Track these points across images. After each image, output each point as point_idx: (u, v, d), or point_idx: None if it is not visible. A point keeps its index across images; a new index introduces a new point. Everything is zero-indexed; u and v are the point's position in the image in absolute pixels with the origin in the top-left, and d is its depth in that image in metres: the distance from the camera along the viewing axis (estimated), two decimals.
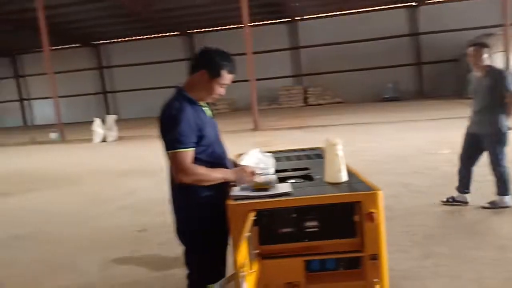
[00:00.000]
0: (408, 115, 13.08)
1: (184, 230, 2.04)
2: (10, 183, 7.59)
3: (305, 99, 22.15)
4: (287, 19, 22.17)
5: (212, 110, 2.15)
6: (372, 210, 1.79)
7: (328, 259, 1.92)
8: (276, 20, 22.13)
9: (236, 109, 22.13)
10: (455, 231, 3.65)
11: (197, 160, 1.93)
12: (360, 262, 1.91)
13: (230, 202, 1.87)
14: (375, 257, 1.84)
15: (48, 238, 4.36)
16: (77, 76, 25.57)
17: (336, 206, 1.86)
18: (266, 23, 22.06)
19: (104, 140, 13.36)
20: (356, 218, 1.86)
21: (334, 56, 21.75)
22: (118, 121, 14.03)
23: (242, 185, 2.02)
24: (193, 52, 24.16)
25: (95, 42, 25.18)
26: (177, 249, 3.57)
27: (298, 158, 2.81)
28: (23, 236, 4.45)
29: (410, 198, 4.65)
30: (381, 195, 1.82)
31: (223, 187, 2.02)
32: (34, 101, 27.74)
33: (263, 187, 1.96)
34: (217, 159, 2.04)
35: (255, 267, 1.79)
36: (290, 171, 2.41)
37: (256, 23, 20.37)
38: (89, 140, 13.53)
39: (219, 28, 22.95)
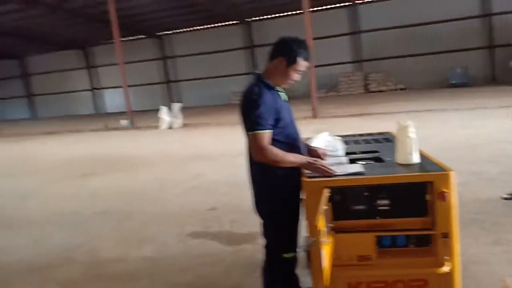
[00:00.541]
0: (478, 101, 12.31)
1: (262, 203, 2.23)
2: (91, 165, 8.36)
3: (366, 86, 21.59)
4: (347, 3, 21.62)
5: (287, 95, 2.31)
6: (444, 190, 1.85)
7: (399, 235, 2.01)
8: (336, 4, 21.67)
9: (293, 96, 22.09)
10: None
11: (274, 141, 2.10)
12: (431, 240, 1.98)
13: (305, 178, 2.02)
14: (447, 235, 1.90)
15: (128, 214, 4.82)
16: (143, 66, 26.99)
17: (408, 186, 1.94)
18: (326, 8, 21.68)
19: (170, 127, 14.11)
20: (428, 197, 1.93)
21: (396, 40, 20.89)
22: (182, 109, 14.71)
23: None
24: (251, 41, 24.46)
25: (159, 33, 26.32)
26: (247, 226, 3.85)
27: (367, 142, 2.88)
28: (106, 212, 4.96)
29: (479, 187, 4.51)
30: (453, 175, 1.87)
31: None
32: (104, 90, 29.74)
33: None
34: (292, 140, 2.20)
35: (330, 239, 1.93)
36: (360, 154, 2.50)
37: (316, 8, 20.12)
38: (156, 126, 14.36)
39: (278, 15, 22.93)
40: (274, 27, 23.01)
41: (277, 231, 2.20)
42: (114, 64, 22.21)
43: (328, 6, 21.74)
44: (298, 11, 19.43)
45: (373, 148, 2.62)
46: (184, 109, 15.22)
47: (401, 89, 20.56)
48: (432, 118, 10.15)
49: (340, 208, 2.01)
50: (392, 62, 21.14)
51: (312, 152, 2.35)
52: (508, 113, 5.93)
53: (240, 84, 23.89)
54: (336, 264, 1.94)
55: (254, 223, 3.52)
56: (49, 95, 31.18)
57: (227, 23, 24.40)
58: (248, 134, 2.12)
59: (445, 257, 1.92)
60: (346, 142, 2.72)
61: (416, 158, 2.12)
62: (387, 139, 2.85)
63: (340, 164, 2.20)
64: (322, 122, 11.30)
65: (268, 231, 2.25)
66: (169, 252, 3.57)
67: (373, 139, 2.94)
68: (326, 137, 2.63)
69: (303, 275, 2.42)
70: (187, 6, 20.30)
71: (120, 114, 20.75)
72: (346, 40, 22.48)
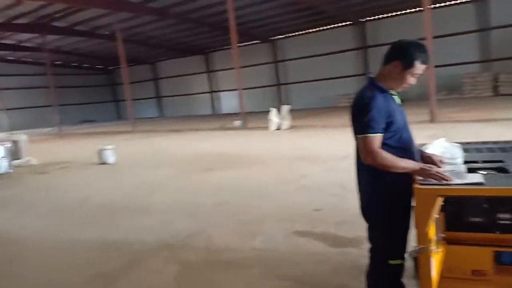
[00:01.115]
0: None
1: (369, 207, 2.25)
2: (211, 161, 9.14)
3: (495, 88, 19.21)
4: None
5: (401, 98, 2.29)
6: None
7: None
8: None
9: (409, 98, 20.85)
10: None
11: (385, 145, 2.10)
12: None
13: (418, 185, 2.00)
14: None
15: (243, 207, 5.20)
16: (256, 70, 28.25)
17: None
18: (449, 4, 19.94)
19: (278, 128, 14.56)
20: None
21: None
22: (290, 111, 15.05)
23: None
24: (364, 42, 23.74)
25: (272, 38, 27.25)
26: (353, 230, 3.86)
27: (491, 150, 2.68)
28: (224, 204, 5.43)
29: None
30: None
31: None
32: (221, 93, 31.92)
33: None
34: (404, 145, 2.17)
35: (441, 248, 1.89)
36: (481, 163, 2.35)
37: (438, 5, 18.66)
38: (266, 128, 14.94)
39: (394, 14, 21.86)
40: (389, 27, 21.98)
41: (384, 237, 2.20)
42: (231, 69, 23.66)
43: (453, 2, 19.95)
44: (416, 9, 18.29)
45: (498, 157, 2.43)
46: (292, 111, 15.54)
47: None
48: None
49: (454, 219, 1.94)
50: None
51: (427, 158, 2.28)
52: None
53: (349, 87, 23.47)
54: (446, 276, 1.89)
55: (360, 227, 3.53)
56: (175, 96, 34.67)
57: (339, 24, 24.09)
58: (358, 137, 2.15)
59: None
60: (466, 150, 2.56)
61: None
62: None
63: (457, 173, 2.10)
64: (440, 127, 10.47)
65: (375, 236, 2.26)
66: (278, 246, 3.78)
67: (498, 148, 2.70)
68: (443, 143, 2.52)
69: (410, 286, 2.38)
70: (300, 10, 20.65)
71: (235, 115, 22.06)
72: (471, 38, 20.29)
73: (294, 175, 6.82)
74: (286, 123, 14.62)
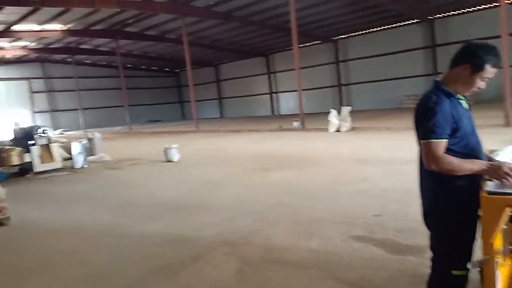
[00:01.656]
0: None
1: (431, 213, 2.19)
2: (269, 161, 9.28)
3: None
4: None
5: (469, 103, 2.20)
6: None
7: None
8: None
9: (481, 101, 19.44)
10: None
11: (450, 151, 2.03)
12: None
13: (485, 194, 1.91)
14: None
15: (300, 208, 5.23)
16: (316, 70, 28.00)
17: None
18: None
19: (338, 130, 14.33)
20: None
21: None
22: (351, 112, 14.74)
23: (497, 181, 2.00)
24: (433, 40, 22.54)
25: (334, 38, 26.83)
26: (414, 238, 3.74)
27: None
28: (281, 204, 5.51)
29: None
30: None
31: (476, 177, 2.05)
32: (280, 94, 32.06)
33: None
34: (470, 151, 2.09)
35: (509, 262, 1.80)
36: None
37: None
38: (325, 129, 14.78)
39: (465, 10, 20.52)
40: (460, 24, 20.69)
41: (448, 245, 2.12)
42: (291, 70, 23.65)
43: None
44: (492, 4, 17.02)
45: None
46: (353, 113, 15.21)
47: None
48: None
49: None
50: None
51: None
52: None
53: (416, 87, 22.37)
54: None
55: (421, 235, 3.43)
56: (235, 98, 35.46)
57: (406, 22, 23.12)
58: (421, 142, 2.10)
59: None
60: None
61: None
62: None
63: None
64: None
65: (437, 244, 2.19)
66: (334, 249, 3.77)
67: None
68: None
69: None
70: (364, 9, 20.14)
71: (293, 116, 22.06)
72: None
73: (352, 178, 6.71)
74: (346, 125, 14.34)
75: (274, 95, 32.52)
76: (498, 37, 11.15)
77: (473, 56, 2.03)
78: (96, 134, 12.84)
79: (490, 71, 2.02)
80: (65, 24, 21.11)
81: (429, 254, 2.27)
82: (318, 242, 3.97)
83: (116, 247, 4.45)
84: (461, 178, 2.03)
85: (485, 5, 18.78)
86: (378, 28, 24.50)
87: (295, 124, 16.98)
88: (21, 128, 12.15)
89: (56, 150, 10.26)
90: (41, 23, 20.25)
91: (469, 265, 1.84)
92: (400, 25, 23.50)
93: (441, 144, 2.02)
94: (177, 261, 3.81)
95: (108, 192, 7.57)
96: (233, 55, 31.94)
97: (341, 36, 26.58)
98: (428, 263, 2.28)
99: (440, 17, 21.89)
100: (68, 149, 10.97)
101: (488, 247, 1.59)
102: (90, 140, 12.35)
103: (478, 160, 2.05)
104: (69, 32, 22.38)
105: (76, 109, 32.20)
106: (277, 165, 8.68)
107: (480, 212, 2.01)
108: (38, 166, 9.90)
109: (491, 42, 2.15)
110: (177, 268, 3.66)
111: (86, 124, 31.45)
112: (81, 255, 4.26)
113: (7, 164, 9.74)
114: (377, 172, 7.00)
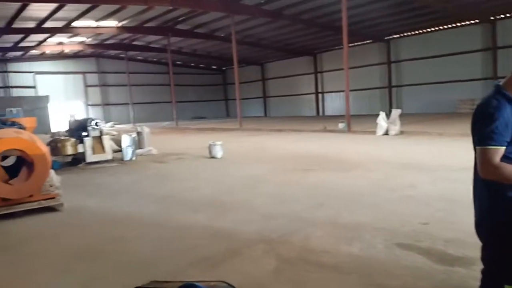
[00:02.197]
0: None
1: (485, 224, 2.08)
2: (310, 162, 9.19)
3: None
4: None
5: None
6: None
7: None
8: None
9: None
10: None
11: (507, 159, 1.92)
12: None
13: None
14: None
15: (341, 211, 5.12)
16: (365, 71, 27.32)
17: None
18: None
19: (386, 133, 13.89)
20: None
21: None
22: (400, 116, 14.24)
23: None
24: (493, 42, 21.23)
25: (387, 38, 26.03)
26: (463, 249, 3.55)
27: None
28: (321, 205, 5.42)
29: None
30: None
31: None
32: (326, 94, 31.62)
33: None
34: None
35: None
36: None
37: None
38: (372, 132, 14.39)
39: None
40: None
41: (501, 258, 2.00)
42: (339, 70, 23.26)
43: None
44: None
45: None
46: (403, 116, 14.69)
47: None
48: None
49: None
50: None
51: None
52: None
53: (473, 91, 21.26)
54: None
55: (472, 246, 3.25)
56: (280, 97, 35.43)
57: (464, 23, 21.97)
58: (477, 149, 2.00)
59: None
60: None
61: None
62: None
63: None
64: None
65: (490, 256, 2.07)
66: (376, 255, 3.65)
67: None
68: None
69: None
70: (419, 9, 19.40)
71: (338, 117, 21.68)
72: None
73: (398, 183, 6.48)
74: (396, 128, 13.87)
75: (319, 95, 32.13)
76: None
77: None
78: (145, 129, 13.32)
79: None
80: (119, 21, 22.10)
81: (479, 266, 2.15)
82: (359, 247, 3.87)
83: (160, 236, 4.60)
84: None
85: None
86: (434, 29, 23.47)
87: (341, 125, 16.67)
88: (75, 120, 12.89)
89: (107, 142, 10.76)
90: (97, 19, 21.34)
91: None
92: (458, 26, 22.37)
93: (499, 151, 1.91)
94: (217, 254, 3.87)
95: (154, 184, 7.84)
96: (279, 53, 31.93)
97: (393, 36, 25.75)
98: (478, 275, 2.17)
99: (502, 17, 20.58)
100: (118, 142, 11.46)
101: None
102: (139, 134, 12.84)
103: None
104: (123, 28, 23.42)
105: (127, 103, 33.66)
106: (320, 166, 8.57)
107: None
108: (90, 157, 10.43)
109: None
110: (217, 261, 3.71)
111: (135, 118, 32.78)
112: (126, 243, 4.44)
113: (62, 154, 10.35)
114: (426, 178, 6.71)
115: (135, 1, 17.63)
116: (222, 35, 25.73)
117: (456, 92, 22.50)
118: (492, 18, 20.80)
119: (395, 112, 14.17)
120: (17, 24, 20.37)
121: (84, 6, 18.42)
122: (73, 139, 10.46)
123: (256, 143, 14.23)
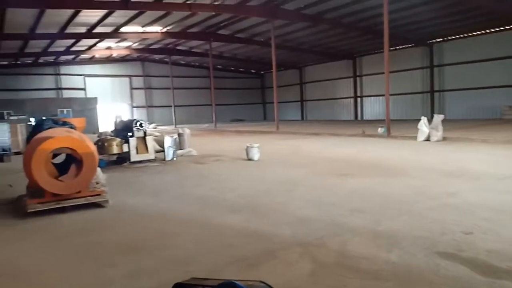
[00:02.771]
0: None
1: None
2: (348, 166, 9.09)
3: None
4: None
5: None
6: None
7: None
8: None
9: None
10: None
11: None
12: None
13: None
14: None
15: (380, 217, 5.04)
16: (406, 75, 26.59)
17: None
18: None
19: (427, 139, 13.46)
20: None
21: None
22: (443, 121, 13.74)
23: None
24: None
25: (429, 41, 25.23)
26: (510, 261, 3.40)
27: None
28: (360, 211, 5.36)
29: None
30: None
31: None
32: (365, 98, 31.05)
33: None
34: None
35: None
36: None
37: None
38: (412, 137, 13.98)
39: None
40: None
41: None
42: (379, 73, 22.78)
43: None
44: None
45: None
46: (445, 121, 14.16)
47: None
48: None
49: None
50: None
51: None
52: None
53: None
54: None
55: None
56: (317, 100, 35.19)
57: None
58: None
59: None
60: None
61: None
62: None
63: None
64: None
65: None
66: (415, 263, 3.58)
67: None
68: None
69: None
70: (465, 11, 18.69)
71: (377, 121, 21.22)
72: None
73: (439, 191, 6.29)
74: (438, 134, 13.41)
75: (358, 99, 31.60)
76: None
77: None
78: (186, 130, 13.69)
79: None
80: (164, 26, 22.86)
81: None
82: (399, 254, 3.81)
83: (198, 234, 4.74)
84: None
85: None
86: (479, 32, 22.48)
87: (380, 130, 16.32)
88: (121, 121, 13.47)
89: (150, 142, 11.17)
90: (144, 25, 22.20)
91: None
92: (506, 29, 21.31)
93: None
94: (254, 255, 3.94)
95: (193, 184, 8.05)
96: (318, 57, 31.74)
97: (436, 40, 24.90)
98: None
99: None
100: (160, 142, 11.87)
101: None
102: (180, 135, 13.22)
103: None
104: (167, 34, 24.21)
105: (170, 106, 34.68)
106: (357, 171, 8.46)
107: None
108: (134, 156, 10.88)
109: None
110: (254, 262, 3.78)
111: (177, 120, 33.71)
112: (167, 239, 4.62)
113: (107, 153, 10.88)
114: (469, 187, 6.47)
115: (179, 7, 18.18)
116: (261, 39, 25.95)
117: (502, 97, 21.42)
118: None
119: (438, 118, 13.69)
120: (69, 30, 21.59)
121: (131, 13, 19.23)
122: (118, 139, 10.95)
123: (292, 146, 14.22)
